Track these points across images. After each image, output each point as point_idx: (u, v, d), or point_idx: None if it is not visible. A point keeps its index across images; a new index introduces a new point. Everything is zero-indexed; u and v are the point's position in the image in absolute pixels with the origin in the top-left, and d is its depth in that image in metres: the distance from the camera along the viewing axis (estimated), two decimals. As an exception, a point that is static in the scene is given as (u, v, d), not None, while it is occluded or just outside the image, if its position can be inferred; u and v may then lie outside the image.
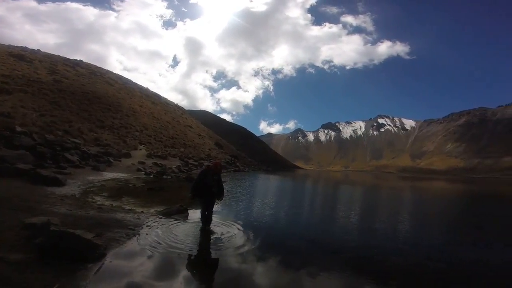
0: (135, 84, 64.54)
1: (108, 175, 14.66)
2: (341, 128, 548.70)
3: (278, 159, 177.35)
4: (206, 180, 5.41)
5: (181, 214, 6.72)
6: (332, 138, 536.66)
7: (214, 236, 5.25)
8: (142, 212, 6.74)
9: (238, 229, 5.80)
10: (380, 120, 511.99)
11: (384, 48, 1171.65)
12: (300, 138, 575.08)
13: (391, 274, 3.82)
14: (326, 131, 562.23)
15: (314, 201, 12.71)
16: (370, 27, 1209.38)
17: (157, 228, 5.40)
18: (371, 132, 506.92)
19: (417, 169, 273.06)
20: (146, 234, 4.94)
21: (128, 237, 4.57)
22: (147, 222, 5.69)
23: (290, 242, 5.30)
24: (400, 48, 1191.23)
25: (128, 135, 28.60)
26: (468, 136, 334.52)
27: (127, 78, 64.91)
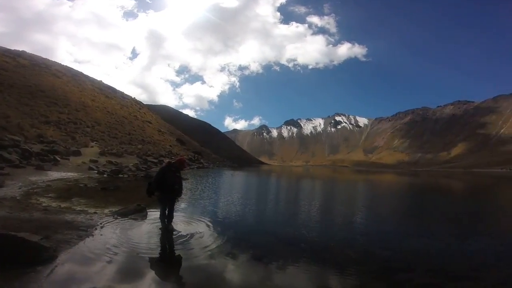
0: (87, 76, 58.89)
1: (55, 175, 13.41)
2: (302, 124, 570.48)
3: (244, 155, 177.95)
4: (167, 176, 5.19)
5: (139, 213, 6.46)
6: (294, 134, 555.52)
7: (179, 234, 5.11)
8: (95, 212, 6.33)
9: (204, 226, 5.72)
10: (337, 118, 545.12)
11: (344, 50, 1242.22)
12: (264, 134, 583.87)
13: (344, 263, 4.08)
14: (289, 127, 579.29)
15: (278, 196, 13.16)
16: (333, 28, 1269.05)
17: (114, 228, 5.16)
18: (329, 128, 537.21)
19: (369, 163, 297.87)
20: (101, 235, 4.71)
21: (81, 239, 4.31)
22: (101, 223, 5.38)
23: (256, 237, 5.40)
24: (358, 50, 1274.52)
25: (77, 131, 26.21)
26: (412, 133, 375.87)
27: (77, 70, 58.83)
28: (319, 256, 4.32)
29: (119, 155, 25.17)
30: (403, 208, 10.84)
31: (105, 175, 16.75)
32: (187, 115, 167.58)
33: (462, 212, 9.94)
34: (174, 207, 5.52)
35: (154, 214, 6.30)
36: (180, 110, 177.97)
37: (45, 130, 21.48)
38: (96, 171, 17.22)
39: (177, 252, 4.38)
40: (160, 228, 5.31)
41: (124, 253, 4.01)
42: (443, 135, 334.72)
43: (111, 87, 64.42)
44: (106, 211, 6.66)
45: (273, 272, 3.74)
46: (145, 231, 5.28)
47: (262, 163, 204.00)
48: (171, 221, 5.40)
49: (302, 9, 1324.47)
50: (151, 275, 3.43)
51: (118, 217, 6.03)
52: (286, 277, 3.61)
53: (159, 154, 34.92)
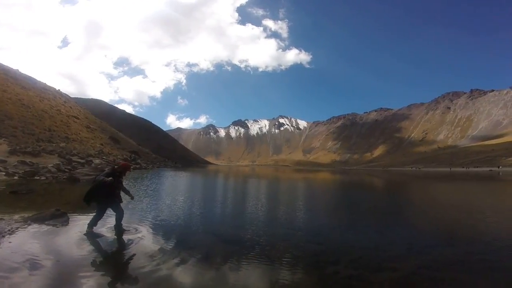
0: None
1: None
2: (249, 125, 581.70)
3: (188, 154, 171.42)
4: (107, 183, 4.98)
5: (58, 219, 5.63)
6: (242, 135, 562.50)
7: (114, 240, 4.75)
8: (2, 219, 5.33)
9: (143, 231, 5.46)
10: (281, 120, 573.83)
11: (292, 56, 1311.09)
12: (211, 133, 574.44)
13: (280, 258, 4.27)
14: (236, 127, 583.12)
15: (222, 197, 12.96)
16: (285, 33, 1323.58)
17: (26, 235, 4.47)
18: (274, 130, 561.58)
19: (307, 163, 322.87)
20: (10, 242, 4.07)
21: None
22: (11, 229, 4.60)
23: (199, 239, 5.33)
24: (304, 57, 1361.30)
25: (-24, 125, 21.37)
26: (343, 136, 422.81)
27: (-15, 58, 47.89)
28: (260, 254, 4.45)
29: (36, 154, 21.42)
30: (333, 204, 11.90)
31: (15, 177, 14.09)
32: (123, 111, 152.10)
33: (381, 206, 11.49)
34: (118, 210, 5.32)
35: (78, 220, 5.63)
36: (116, 105, 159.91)
37: None
38: (3, 173, 14.35)
39: (115, 259, 4.04)
40: (84, 234, 4.93)
41: (49, 261, 3.55)
42: (367, 138, 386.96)
43: (29, 77, 54.36)
44: (16, 216, 5.66)
45: (217, 272, 3.75)
46: (71, 238, 4.74)
47: (209, 163, 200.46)
48: (120, 226, 5.27)
49: (260, 12, 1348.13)
50: (89, 284, 3.08)
51: (33, 223, 5.20)
52: (226, 276, 3.64)
53: (87, 154, 30.94)
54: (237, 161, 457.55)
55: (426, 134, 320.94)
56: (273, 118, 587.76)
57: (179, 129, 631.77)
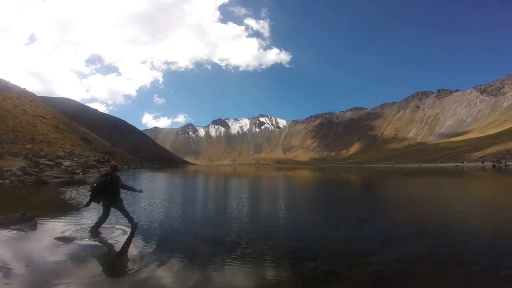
0: (-46, 62, 44.05)
1: None
2: (230, 124, 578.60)
3: (166, 155, 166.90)
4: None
5: (26, 223, 5.31)
6: (222, 134, 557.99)
7: (93, 244, 4.59)
8: None
9: (119, 233, 5.31)
10: (262, 119, 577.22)
11: (273, 55, 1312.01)
12: (190, 133, 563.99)
13: (261, 256, 4.31)
14: (216, 126, 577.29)
15: (203, 197, 12.75)
16: (266, 33, 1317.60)
17: None
18: (254, 129, 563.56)
19: (287, 161, 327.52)
20: None
21: None
22: None
23: (180, 240, 5.28)
24: (284, 57, 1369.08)
25: None
26: (321, 134, 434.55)
27: None
28: (241, 253, 4.49)
29: (-4, 157, 19.75)
30: (312, 200, 12.19)
31: (-29, 183, 12.86)
32: (95, 110, 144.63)
33: (356, 201, 12.00)
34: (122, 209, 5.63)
35: (46, 223, 5.33)
36: (87, 104, 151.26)
37: None
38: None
39: (91, 263, 3.87)
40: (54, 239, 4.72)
41: (19, 269, 3.38)
42: (343, 136, 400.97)
43: (-11, 75, 49.84)
44: (-25, 222, 5.22)
45: (198, 273, 3.73)
46: (42, 242, 4.56)
47: (188, 163, 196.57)
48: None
49: (242, 11, 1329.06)
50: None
51: (-4, 228, 4.83)
52: (208, 276, 3.64)
53: (56, 156, 29.11)
54: (218, 160, 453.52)
55: (397, 132, 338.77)
56: (254, 117, 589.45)
57: (156, 128, 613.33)
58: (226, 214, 8.02)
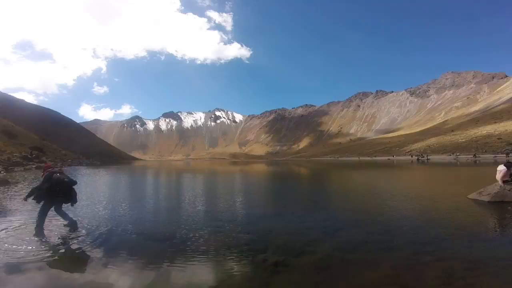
0: None
1: None
2: (182, 117, 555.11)
3: (109, 150, 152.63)
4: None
5: None
6: (174, 127, 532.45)
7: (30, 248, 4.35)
8: None
9: (57, 237, 5.04)
10: (217, 113, 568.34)
11: (233, 50, 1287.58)
12: (138, 126, 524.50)
13: (213, 251, 4.36)
14: (168, 119, 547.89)
15: (153, 195, 11.92)
16: (229, 26, 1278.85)
17: None
18: (210, 123, 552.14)
19: (243, 155, 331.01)
20: None
21: None
22: None
23: (124, 238, 5.09)
24: (244, 52, 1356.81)
25: None
26: (274, 129, 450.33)
27: None
28: (194, 249, 4.46)
29: None
30: (262, 194, 12.55)
31: None
32: (22, 101, 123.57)
33: (303, 193, 12.78)
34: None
35: None
36: (12, 94, 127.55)
37: None
38: None
39: (31, 271, 3.66)
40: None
41: None
42: (294, 131, 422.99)
43: None
44: None
45: (151, 273, 3.63)
46: None
47: (135, 159, 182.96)
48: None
49: (206, 2, 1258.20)
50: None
51: None
52: (162, 275, 3.57)
53: (-37, 152, 24.14)
54: (169, 155, 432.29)
55: (341, 128, 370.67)
56: (210, 111, 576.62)
57: (96, 121, 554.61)
58: (177, 211, 7.76)
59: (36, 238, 4.86)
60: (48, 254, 4.20)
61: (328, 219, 6.54)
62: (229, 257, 4.13)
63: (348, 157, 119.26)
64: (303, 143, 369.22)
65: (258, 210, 8.10)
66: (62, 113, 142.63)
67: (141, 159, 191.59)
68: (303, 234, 5.31)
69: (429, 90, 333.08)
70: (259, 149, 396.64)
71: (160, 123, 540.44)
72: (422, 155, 68.64)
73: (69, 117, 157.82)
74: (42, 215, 5.18)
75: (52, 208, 5.35)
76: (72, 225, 5.47)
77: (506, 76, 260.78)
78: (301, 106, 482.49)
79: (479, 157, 52.87)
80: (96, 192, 12.09)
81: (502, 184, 7.94)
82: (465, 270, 3.49)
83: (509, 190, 7.69)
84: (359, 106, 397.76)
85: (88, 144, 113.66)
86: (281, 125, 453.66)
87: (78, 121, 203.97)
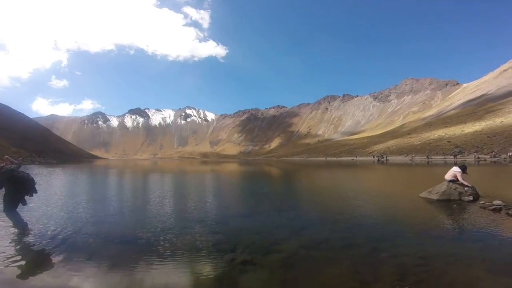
0: None
1: None
2: (150, 114, 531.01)
3: (67, 147, 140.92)
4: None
5: None
6: (140, 125, 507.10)
7: None
8: None
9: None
10: (188, 111, 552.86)
11: (209, 48, 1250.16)
12: (100, 122, 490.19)
13: (179, 251, 4.33)
14: (133, 116, 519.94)
15: (116, 197, 11.25)
16: (206, 24, 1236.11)
17: None
18: (179, 121, 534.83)
19: (215, 154, 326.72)
20: None
21: None
22: None
23: (85, 242, 4.84)
24: (220, 51, 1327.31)
25: None
26: (247, 129, 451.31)
27: None
28: (161, 251, 4.38)
29: None
30: (233, 194, 12.55)
31: None
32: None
33: (272, 193, 13.01)
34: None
35: None
36: None
37: None
38: None
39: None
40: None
41: None
42: (266, 131, 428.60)
43: None
44: None
45: (117, 278, 3.49)
46: None
47: (96, 157, 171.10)
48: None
49: None
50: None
51: None
52: (130, 280, 3.44)
53: None
54: (134, 154, 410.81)
55: (310, 129, 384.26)
56: (180, 109, 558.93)
57: (53, 116, 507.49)
58: (142, 212, 7.45)
59: None
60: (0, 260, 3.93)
61: (295, 218, 6.75)
62: (196, 258, 4.11)
63: (315, 157, 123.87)
64: (274, 143, 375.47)
65: (228, 210, 8.08)
66: (13, 108, 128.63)
67: (103, 158, 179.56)
68: (271, 233, 5.43)
69: (390, 95, 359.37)
70: (232, 149, 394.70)
71: (125, 120, 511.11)
72: (382, 156, 73.97)
73: (23, 112, 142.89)
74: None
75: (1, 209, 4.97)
76: (23, 228, 5.10)
77: (458, 83, 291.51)
78: (273, 107, 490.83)
79: (432, 158, 58.69)
80: (51, 193, 11.08)
81: (449, 184, 8.88)
82: (416, 266, 3.80)
83: (454, 189, 8.64)
84: (327, 108, 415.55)
85: (43, 141, 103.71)
86: (254, 125, 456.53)
87: (31, 116, 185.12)
